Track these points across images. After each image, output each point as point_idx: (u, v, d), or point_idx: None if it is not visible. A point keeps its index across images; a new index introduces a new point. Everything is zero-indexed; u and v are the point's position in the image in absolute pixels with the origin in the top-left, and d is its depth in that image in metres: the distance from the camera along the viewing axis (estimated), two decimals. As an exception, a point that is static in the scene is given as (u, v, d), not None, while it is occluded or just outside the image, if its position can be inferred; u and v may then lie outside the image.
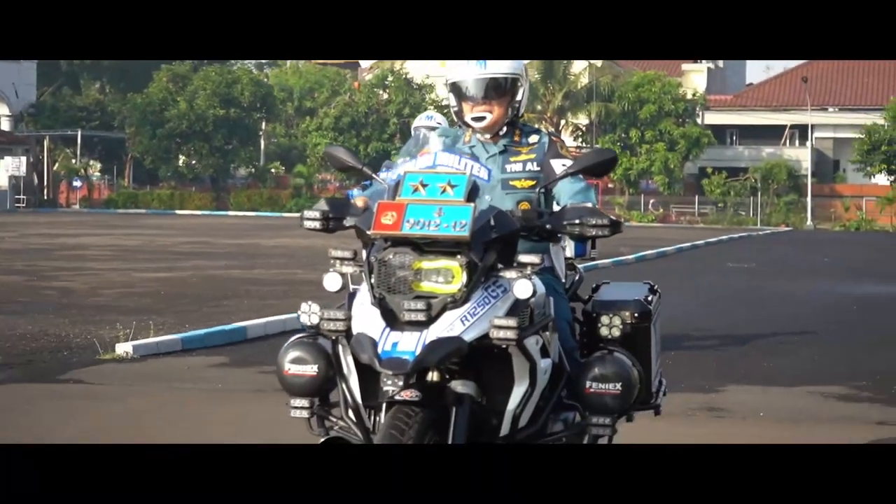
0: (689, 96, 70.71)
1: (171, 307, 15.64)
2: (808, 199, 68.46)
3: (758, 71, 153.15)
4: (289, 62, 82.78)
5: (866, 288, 22.79)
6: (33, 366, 11.13)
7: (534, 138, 5.83)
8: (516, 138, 5.82)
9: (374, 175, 5.45)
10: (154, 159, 73.32)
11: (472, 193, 4.94)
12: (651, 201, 71.59)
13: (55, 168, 73.42)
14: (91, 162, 76.65)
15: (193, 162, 73.99)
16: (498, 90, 5.70)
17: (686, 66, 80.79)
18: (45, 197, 71.70)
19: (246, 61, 77.87)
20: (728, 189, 70.46)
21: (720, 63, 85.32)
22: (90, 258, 25.96)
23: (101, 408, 9.39)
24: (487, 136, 5.79)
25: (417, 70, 72.16)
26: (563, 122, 71.47)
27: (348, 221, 5.23)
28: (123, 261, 25.33)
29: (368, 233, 4.89)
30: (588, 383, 5.29)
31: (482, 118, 5.70)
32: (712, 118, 74.93)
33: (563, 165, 5.63)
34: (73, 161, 73.87)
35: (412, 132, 11.71)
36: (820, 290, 21.97)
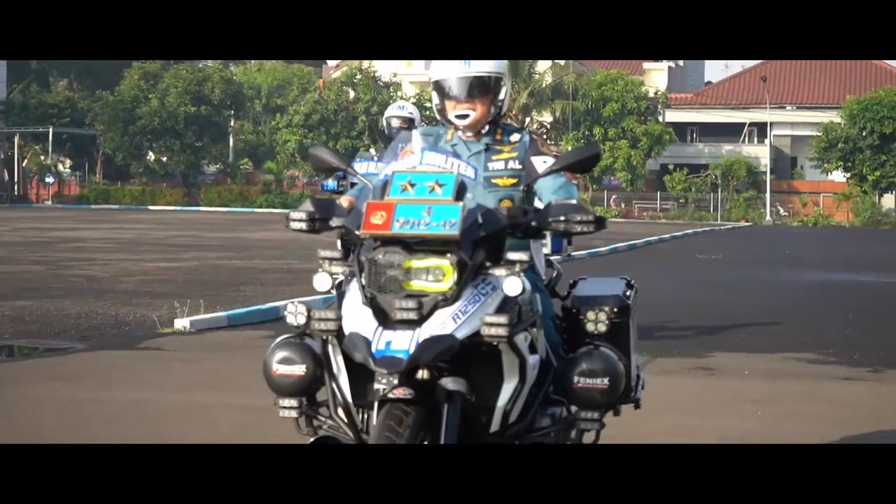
0: (650, 95, 72.29)
1: (197, 292, 17.03)
2: (767, 195, 70.21)
3: (716, 70, 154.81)
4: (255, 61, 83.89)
5: (826, 275, 24.53)
6: (107, 338, 12.64)
7: (515, 137, 5.88)
8: (498, 137, 5.86)
9: (359, 175, 5.59)
10: (125, 156, 74.47)
11: (460, 192, 5.01)
12: (613, 197, 73.22)
13: (24, 164, 74.45)
14: (60, 158, 77.65)
15: (164, 158, 75.15)
16: (481, 89, 5.75)
17: (647, 64, 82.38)
18: (16, 193, 72.68)
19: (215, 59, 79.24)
20: (689, 185, 72.10)
21: (680, 62, 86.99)
22: (94, 250, 27.33)
23: (194, 366, 11.02)
24: (469, 134, 5.84)
25: (384, 68, 73.58)
26: (527, 119, 72.89)
27: (335, 222, 5.29)
28: (128, 252, 26.72)
29: (358, 233, 4.95)
30: (576, 378, 5.36)
31: (465, 116, 5.75)
32: (673, 116, 76.55)
33: (545, 162, 5.70)
34: (42, 158, 74.87)
35: (384, 122, 12.18)
36: (784, 278, 23.70)
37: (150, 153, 76.16)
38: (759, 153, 74.80)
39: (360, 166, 11.37)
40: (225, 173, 78.57)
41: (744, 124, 77.82)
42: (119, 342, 12.31)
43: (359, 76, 72.81)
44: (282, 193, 73.04)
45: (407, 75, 76.55)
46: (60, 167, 77.56)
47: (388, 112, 12.25)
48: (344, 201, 5.45)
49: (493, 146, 5.80)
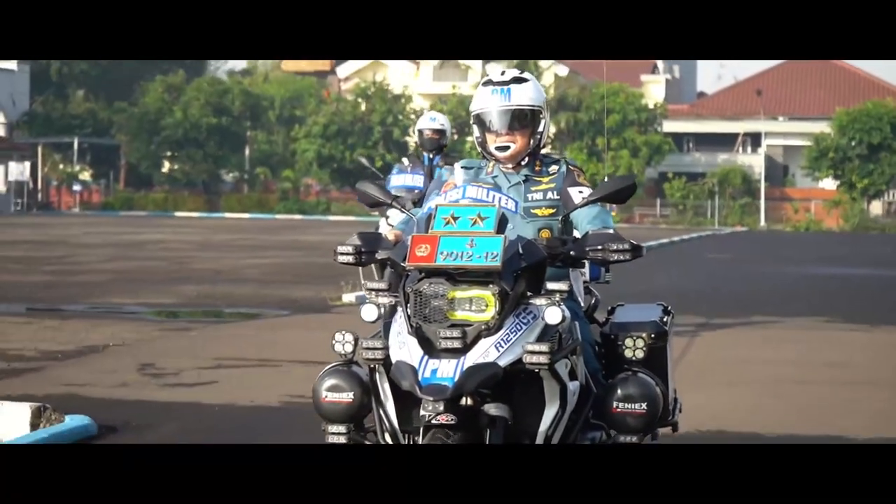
0: (650, 106, 75.75)
1: (318, 280, 20.76)
2: (762, 202, 73.84)
3: (708, 82, 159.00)
4: (262, 72, 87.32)
5: (824, 269, 28.62)
6: (301, 308, 16.64)
7: (553, 168, 5.96)
8: (537, 168, 5.95)
9: (403, 208, 5.67)
10: (149, 165, 78.17)
11: (502, 224, 5.11)
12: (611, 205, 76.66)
13: (45, 172, 77.92)
14: (80, 167, 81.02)
15: (187, 167, 78.69)
16: (521, 121, 5.83)
17: (644, 76, 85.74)
18: (40, 201, 76.06)
19: (233, 71, 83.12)
20: (688, 192, 75.68)
21: (676, 74, 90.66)
22: (181, 250, 31.14)
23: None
24: (509, 166, 5.95)
25: (396, 81, 77.32)
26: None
27: (381, 254, 5.37)
28: (217, 251, 30.58)
29: (404, 265, 5.06)
30: (615, 403, 5.47)
31: (506, 148, 5.85)
32: (671, 126, 79.79)
33: (580, 193, 5.78)
34: (62, 167, 78.35)
35: (416, 133, 12.33)
36: (791, 271, 27.74)
37: (174, 163, 79.66)
38: (753, 162, 78.17)
39: (396, 178, 12.12)
40: (243, 181, 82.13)
41: (738, 134, 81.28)
42: (313, 309, 16.29)
43: (372, 89, 76.29)
44: (298, 201, 76.63)
45: (416, 86, 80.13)
46: (80, 176, 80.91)
47: (420, 124, 12.36)
48: (391, 235, 5.89)
49: (532, 177, 5.94)
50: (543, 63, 74.10)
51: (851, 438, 9.15)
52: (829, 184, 73.76)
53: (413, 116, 70.05)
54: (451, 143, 12.58)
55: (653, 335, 5.96)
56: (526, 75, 5.93)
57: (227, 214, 72.67)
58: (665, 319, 6.17)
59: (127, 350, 12.72)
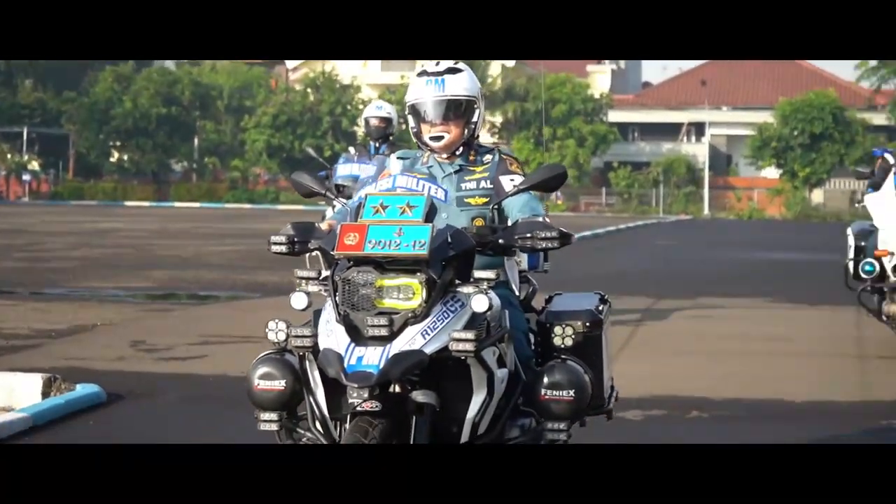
0: (595, 96, 76.75)
1: (283, 265, 21.44)
2: (706, 190, 75.02)
3: (654, 72, 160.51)
4: (209, 62, 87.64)
5: (767, 254, 29.68)
6: (267, 289, 17.50)
7: (488, 158, 5.98)
8: (471, 158, 5.95)
9: (338, 199, 5.76)
10: (98, 154, 78.49)
11: (430, 213, 5.13)
12: (557, 193, 77.72)
13: (-8, 163, 78.02)
14: (29, 157, 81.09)
15: (137, 157, 79.01)
16: (455, 111, 5.81)
17: (591, 67, 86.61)
18: (-14, 190, 76.25)
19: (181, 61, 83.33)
20: (632, 181, 76.80)
21: (622, 64, 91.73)
22: (141, 238, 31.79)
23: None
24: (444, 156, 5.93)
25: (344, 71, 77.97)
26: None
27: (313, 244, 5.41)
28: (175, 239, 31.24)
29: (332, 253, 5.08)
30: (543, 391, 5.50)
31: (440, 138, 5.83)
32: (616, 116, 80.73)
33: (512, 181, 5.80)
34: (10, 156, 78.46)
35: (363, 122, 12.56)
36: (735, 256, 28.77)
37: (123, 153, 79.95)
38: (698, 151, 79.28)
39: (343, 168, 12.27)
40: (192, 171, 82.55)
41: (682, 124, 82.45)
42: (283, 292, 17.03)
43: (321, 79, 76.92)
44: (247, 190, 77.19)
45: (365, 77, 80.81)
46: (30, 166, 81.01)
47: (367, 112, 12.51)
48: (324, 225, 5.59)
49: (466, 167, 5.93)
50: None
51: (790, 402, 10.19)
52: (771, 173, 74.94)
53: (361, 106, 70.53)
54: (398, 132, 12.60)
55: (588, 323, 5.98)
56: (460, 66, 5.94)
57: (177, 203, 72.99)
58: (601, 308, 6.20)
59: (116, 329, 13.56)
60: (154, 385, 10.27)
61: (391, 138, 12.23)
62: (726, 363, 12.09)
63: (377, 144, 12.17)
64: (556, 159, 73.95)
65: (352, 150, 12.80)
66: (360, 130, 67.36)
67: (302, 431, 5.40)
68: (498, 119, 78.46)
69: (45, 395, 9.48)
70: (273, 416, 5.35)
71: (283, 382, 5.32)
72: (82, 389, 9.58)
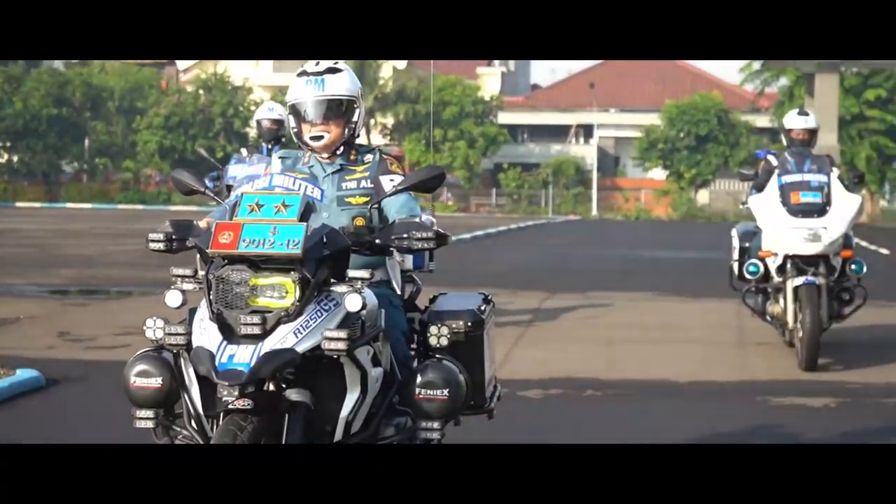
0: (486, 98, 77.59)
1: (189, 262, 22.19)
2: (594, 191, 76.30)
3: (543, 74, 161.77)
4: (98, 63, 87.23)
5: (654, 252, 30.74)
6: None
7: (368, 157, 5.97)
8: (352, 157, 5.94)
9: (216, 197, 5.67)
10: (-13, 155, 78.02)
11: (306, 213, 5.11)
12: (447, 193, 78.46)
13: None
14: None
15: (27, 158, 78.58)
16: (335, 111, 5.81)
17: (480, 69, 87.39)
18: None
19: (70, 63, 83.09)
20: (522, 183, 77.80)
21: (511, 67, 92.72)
22: (42, 237, 31.99)
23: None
24: (325, 155, 5.91)
25: (236, 72, 78.19)
26: (372, 121, 77.93)
27: (190, 242, 5.37)
28: (76, 238, 31.56)
29: (207, 251, 5.05)
30: (417, 390, 5.51)
31: (320, 137, 5.82)
32: (506, 118, 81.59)
33: (392, 181, 5.79)
34: None
35: (255, 123, 12.61)
36: (624, 254, 29.77)
37: (13, 154, 79.45)
38: (586, 153, 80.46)
39: (234, 169, 12.14)
40: (83, 171, 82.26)
41: (571, 126, 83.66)
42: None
43: (213, 81, 77.10)
44: (139, 191, 77.18)
45: (257, 78, 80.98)
46: None
47: (259, 114, 12.56)
48: (202, 223, 5.55)
49: (347, 166, 5.92)
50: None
51: (675, 381, 11.19)
52: (658, 174, 76.24)
53: (253, 108, 70.74)
54: (290, 134, 12.66)
55: (469, 323, 5.99)
56: (340, 66, 5.94)
57: (69, 204, 72.68)
58: (483, 308, 6.19)
59: (40, 321, 14.24)
60: (87, 370, 11.00)
61: (283, 140, 12.25)
62: (617, 348, 13.10)
63: (269, 146, 12.17)
64: (448, 160, 74.62)
65: (244, 151, 12.84)
66: (252, 132, 67.58)
67: (178, 429, 5.38)
68: (390, 121, 79.09)
69: (-14, 379, 10.12)
70: (149, 413, 5.34)
71: (159, 380, 5.31)
72: (22, 374, 10.24)
